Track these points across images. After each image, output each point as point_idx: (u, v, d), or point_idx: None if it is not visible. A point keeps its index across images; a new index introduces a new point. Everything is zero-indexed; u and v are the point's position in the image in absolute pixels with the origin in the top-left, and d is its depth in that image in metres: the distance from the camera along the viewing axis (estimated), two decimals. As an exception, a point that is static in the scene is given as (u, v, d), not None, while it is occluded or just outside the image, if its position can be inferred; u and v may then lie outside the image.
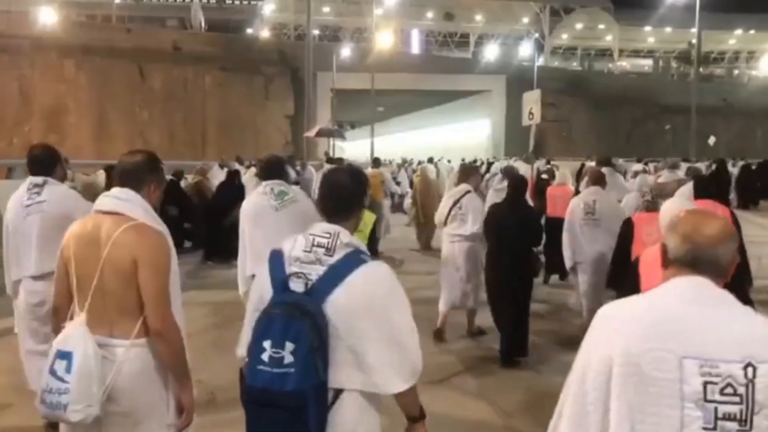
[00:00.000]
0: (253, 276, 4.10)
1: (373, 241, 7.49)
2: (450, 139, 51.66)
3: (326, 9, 56.98)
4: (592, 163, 13.26)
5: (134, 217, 2.91)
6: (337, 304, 2.29)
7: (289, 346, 2.18)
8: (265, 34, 50.09)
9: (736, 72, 69.80)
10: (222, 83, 37.70)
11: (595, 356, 1.91)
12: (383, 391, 2.36)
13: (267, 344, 2.21)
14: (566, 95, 46.99)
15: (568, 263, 7.53)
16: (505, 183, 9.91)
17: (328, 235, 2.41)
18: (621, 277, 5.72)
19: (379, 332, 2.31)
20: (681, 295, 1.90)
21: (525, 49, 55.26)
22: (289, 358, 2.18)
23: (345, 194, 2.54)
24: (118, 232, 2.83)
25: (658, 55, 68.43)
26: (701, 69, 59.73)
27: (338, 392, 2.31)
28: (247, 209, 5.32)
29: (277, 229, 4.80)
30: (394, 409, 2.56)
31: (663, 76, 61.81)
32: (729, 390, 1.78)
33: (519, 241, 6.52)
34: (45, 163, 4.71)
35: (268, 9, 54.34)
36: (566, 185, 10.58)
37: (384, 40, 45.86)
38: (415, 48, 58.87)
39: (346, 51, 42.61)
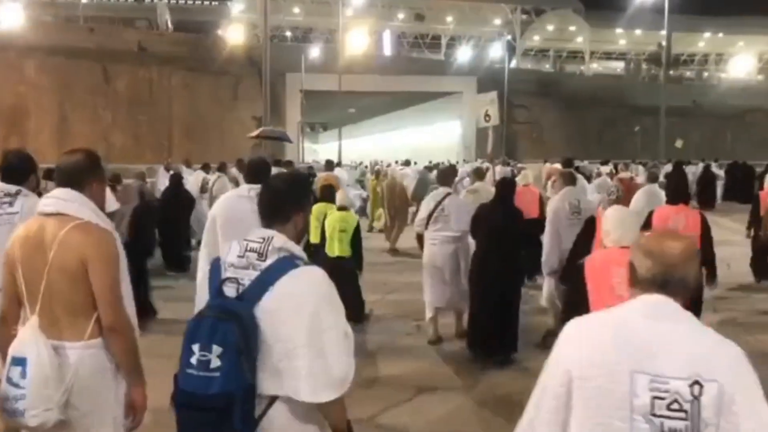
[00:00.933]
0: None
1: (357, 245, 7.69)
2: (422, 141, 51.42)
3: (296, 9, 56.43)
4: (555, 165, 13.18)
5: (80, 217, 2.90)
6: (266, 308, 2.28)
7: (216, 349, 2.19)
8: (235, 34, 49.27)
9: (705, 74, 70.52)
10: (189, 84, 37.02)
11: (556, 368, 1.99)
12: (309, 400, 2.30)
13: (196, 348, 2.23)
14: (537, 97, 46.98)
15: (551, 265, 7.19)
16: (477, 184, 9.93)
17: (261, 240, 2.41)
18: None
19: (306, 338, 2.28)
20: (641, 312, 1.95)
21: (496, 51, 55.14)
22: (216, 362, 2.19)
23: (277, 199, 2.54)
24: (63, 232, 2.82)
25: (629, 57, 68.90)
26: (671, 71, 60.28)
27: (273, 399, 2.31)
28: (223, 210, 4.83)
29: None
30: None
31: (634, 78, 62.19)
32: (675, 406, 1.82)
33: (508, 241, 6.53)
34: (19, 171, 4.43)
35: (236, 9, 53.58)
36: (531, 186, 10.44)
37: (355, 41, 45.43)
38: (387, 49, 58.48)
39: (315, 52, 42.04)
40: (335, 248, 7.51)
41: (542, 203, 9.51)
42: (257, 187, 4.59)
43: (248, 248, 2.41)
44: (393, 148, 52.11)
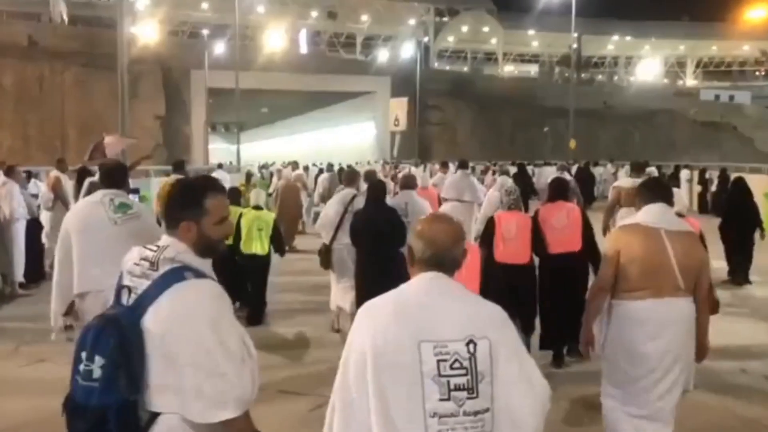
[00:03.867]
0: (81, 295, 4.43)
1: (279, 242, 8.11)
2: (336, 142, 50.54)
3: (204, 5, 54.47)
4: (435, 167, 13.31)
5: None
6: (149, 322, 2.20)
7: (99, 360, 2.15)
8: (137, 30, 46.96)
9: (615, 77, 72.37)
10: (83, 81, 34.83)
11: (354, 347, 2.19)
12: (200, 420, 2.18)
13: (83, 355, 2.19)
14: (451, 98, 46.77)
15: None
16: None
17: (156, 249, 2.33)
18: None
19: (191, 357, 2.16)
20: (421, 289, 2.24)
21: (410, 51, 54.73)
22: (97, 372, 2.15)
23: (167, 206, 2.44)
24: None
25: (543, 59, 69.94)
26: (582, 74, 61.42)
27: (155, 415, 2.20)
28: (76, 218, 4.66)
29: (113, 246, 4.24)
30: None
31: (547, 80, 63.06)
32: (456, 364, 2.10)
33: (388, 243, 6.36)
34: None
35: (142, 4, 51.19)
36: (430, 188, 10.76)
37: (266, 39, 44.02)
38: (303, 48, 57.22)
39: (219, 48, 40.28)
40: (252, 246, 7.88)
41: (440, 203, 9.86)
42: (112, 193, 4.70)
43: (143, 256, 2.31)
44: (307, 149, 51.06)
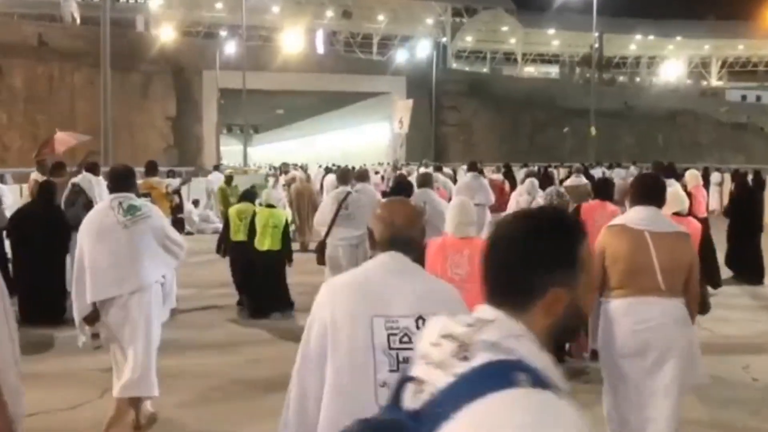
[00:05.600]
0: (101, 303, 4.62)
1: (287, 239, 8.32)
2: (352, 143, 49.84)
3: (219, 5, 54.02)
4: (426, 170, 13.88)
5: None
6: None
7: None
8: (150, 30, 46.56)
9: (638, 78, 71.03)
10: (93, 81, 34.23)
11: (316, 319, 2.33)
12: None
13: None
14: (469, 99, 45.86)
15: None
16: (359, 186, 9.76)
17: (470, 324, 1.39)
18: None
19: None
20: (378, 268, 2.39)
21: (427, 51, 53.85)
22: None
23: (513, 261, 1.43)
24: None
25: (563, 59, 68.78)
26: (604, 74, 60.20)
27: None
28: (88, 226, 4.78)
29: (125, 249, 4.67)
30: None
31: (567, 80, 61.95)
32: (405, 339, 2.24)
33: None
34: None
35: (154, 5, 50.84)
36: (441, 188, 10.85)
37: (282, 39, 43.36)
38: (318, 48, 56.65)
39: (232, 49, 39.59)
40: (265, 243, 8.06)
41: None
42: (121, 196, 4.75)
43: (447, 332, 1.37)
44: (323, 150, 50.42)
